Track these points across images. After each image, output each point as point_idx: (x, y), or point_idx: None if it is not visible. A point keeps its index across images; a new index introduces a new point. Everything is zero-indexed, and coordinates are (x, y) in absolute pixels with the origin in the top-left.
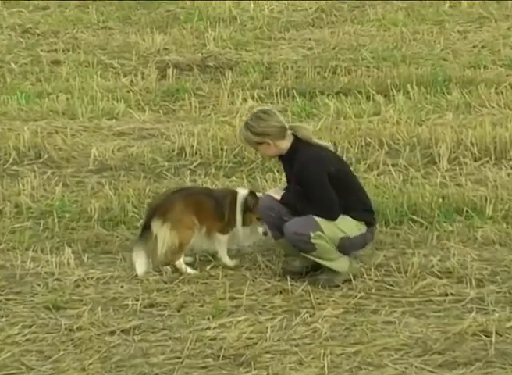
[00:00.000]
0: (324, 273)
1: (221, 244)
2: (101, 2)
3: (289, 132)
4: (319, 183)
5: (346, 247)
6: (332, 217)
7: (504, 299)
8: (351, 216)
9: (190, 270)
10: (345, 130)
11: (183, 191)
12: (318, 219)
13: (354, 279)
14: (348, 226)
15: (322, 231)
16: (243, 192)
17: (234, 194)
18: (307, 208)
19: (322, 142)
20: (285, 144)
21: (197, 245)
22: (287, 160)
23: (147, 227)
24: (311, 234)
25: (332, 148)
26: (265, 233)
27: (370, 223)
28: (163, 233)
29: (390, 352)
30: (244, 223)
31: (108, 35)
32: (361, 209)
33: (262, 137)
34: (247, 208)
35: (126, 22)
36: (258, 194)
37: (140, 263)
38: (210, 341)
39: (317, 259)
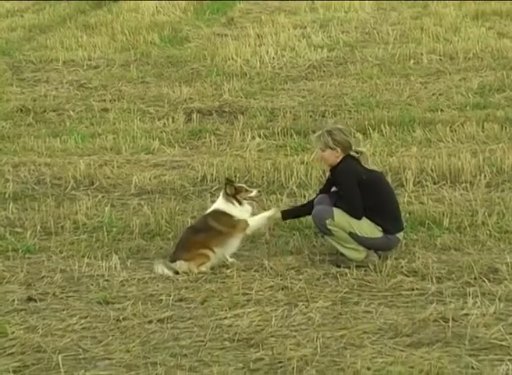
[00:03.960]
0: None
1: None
2: (140, 62)
3: (351, 151)
4: (347, 185)
5: (356, 242)
6: (355, 215)
7: (458, 292)
8: (371, 219)
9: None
10: None
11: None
12: (334, 208)
13: (369, 267)
14: (360, 225)
15: (333, 219)
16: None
17: (212, 210)
18: (339, 204)
19: (371, 167)
20: (340, 158)
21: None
22: (334, 170)
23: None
24: (327, 221)
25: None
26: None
27: (387, 230)
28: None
29: (369, 335)
30: (240, 203)
31: (145, 88)
32: (382, 216)
33: (337, 144)
34: (231, 194)
35: (159, 77)
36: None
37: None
38: (227, 328)
39: (334, 243)
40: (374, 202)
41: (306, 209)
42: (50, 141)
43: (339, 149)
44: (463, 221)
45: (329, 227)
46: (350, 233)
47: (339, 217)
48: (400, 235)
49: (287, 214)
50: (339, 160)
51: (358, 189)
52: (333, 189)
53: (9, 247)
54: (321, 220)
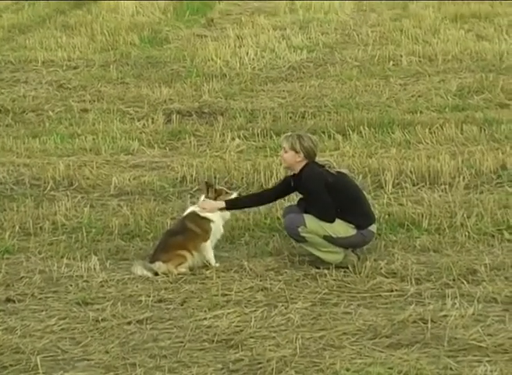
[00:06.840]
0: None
1: (206, 249)
2: (119, 63)
3: (315, 159)
4: (316, 190)
5: (332, 244)
6: (327, 219)
7: (437, 294)
8: (342, 219)
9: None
10: None
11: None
12: (304, 215)
13: (348, 268)
14: (333, 227)
15: (305, 225)
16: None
17: (189, 212)
18: (309, 210)
19: (335, 170)
20: (302, 165)
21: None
22: (297, 178)
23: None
24: (299, 229)
25: (345, 172)
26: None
27: (359, 226)
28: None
29: (348, 336)
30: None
31: (125, 89)
32: (353, 213)
33: (302, 149)
34: (213, 198)
35: (139, 78)
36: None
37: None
38: (206, 329)
39: (310, 249)
40: (344, 202)
41: (250, 201)
42: (29, 141)
43: (302, 154)
44: (442, 223)
45: (303, 234)
46: (325, 237)
47: (311, 223)
48: (373, 228)
49: (230, 203)
50: (300, 167)
51: (327, 192)
52: (301, 197)
53: None
54: (294, 229)
